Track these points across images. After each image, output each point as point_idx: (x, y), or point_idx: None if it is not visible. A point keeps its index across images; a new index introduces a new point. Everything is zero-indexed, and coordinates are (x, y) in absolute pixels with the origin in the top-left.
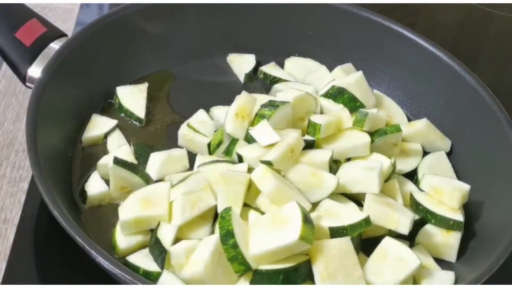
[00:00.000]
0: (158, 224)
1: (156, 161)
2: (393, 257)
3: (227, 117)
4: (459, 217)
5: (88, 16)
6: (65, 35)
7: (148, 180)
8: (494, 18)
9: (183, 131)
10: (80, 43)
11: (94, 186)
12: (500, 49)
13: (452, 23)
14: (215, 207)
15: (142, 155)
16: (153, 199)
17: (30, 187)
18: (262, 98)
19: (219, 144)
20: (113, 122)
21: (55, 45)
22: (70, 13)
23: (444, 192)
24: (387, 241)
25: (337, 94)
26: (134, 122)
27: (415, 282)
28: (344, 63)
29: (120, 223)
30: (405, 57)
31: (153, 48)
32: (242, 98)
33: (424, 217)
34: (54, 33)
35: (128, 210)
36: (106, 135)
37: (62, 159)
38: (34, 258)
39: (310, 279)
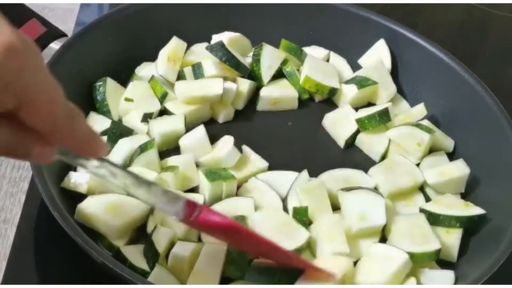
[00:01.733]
0: (155, 227)
1: (124, 148)
2: (379, 257)
3: (159, 60)
4: (479, 210)
5: (88, 16)
6: (65, 35)
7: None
8: (494, 18)
9: (122, 106)
10: (80, 43)
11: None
12: (500, 49)
13: (452, 23)
14: None
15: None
16: None
17: (30, 187)
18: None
19: (164, 95)
20: (109, 122)
21: (55, 45)
22: (70, 13)
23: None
24: (373, 246)
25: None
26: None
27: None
28: None
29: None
30: (404, 57)
31: (153, 47)
32: (173, 43)
33: (447, 225)
34: (54, 33)
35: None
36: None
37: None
38: (34, 258)
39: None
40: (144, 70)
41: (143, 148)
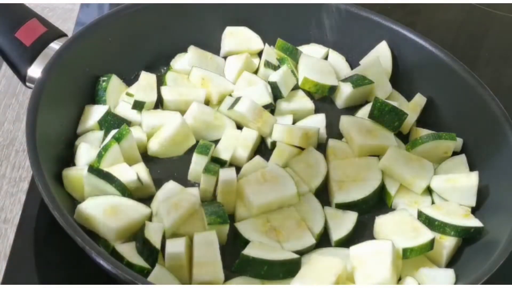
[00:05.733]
0: (143, 226)
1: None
2: (320, 267)
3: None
4: (477, 222)
5: (88, 16)
6: (65, 35)
7: (123, 191)
8: (494, 18)
9: (124, 102)
10: (80, 43)
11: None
12: (500, 49)
13: (452, 23)
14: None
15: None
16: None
17: (30, 187)
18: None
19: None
20: (104, 108)
21: (55, 45)
22: (70, 13)
23: (459, 178)
24: (312, 257)
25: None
26: None
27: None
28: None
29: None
30: (405, 57)
31: (154, 47)
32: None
33: (442, 231)
34: (54, 33)
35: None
36: (100, 123)
37: (62, 158)
38: (34, 258)
39: (291, 276)
40: (178, 63)
41: (118, 138)
